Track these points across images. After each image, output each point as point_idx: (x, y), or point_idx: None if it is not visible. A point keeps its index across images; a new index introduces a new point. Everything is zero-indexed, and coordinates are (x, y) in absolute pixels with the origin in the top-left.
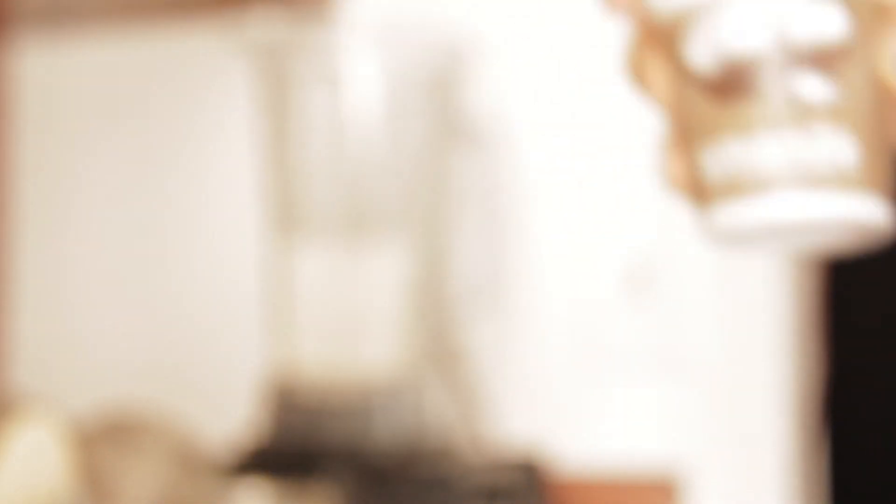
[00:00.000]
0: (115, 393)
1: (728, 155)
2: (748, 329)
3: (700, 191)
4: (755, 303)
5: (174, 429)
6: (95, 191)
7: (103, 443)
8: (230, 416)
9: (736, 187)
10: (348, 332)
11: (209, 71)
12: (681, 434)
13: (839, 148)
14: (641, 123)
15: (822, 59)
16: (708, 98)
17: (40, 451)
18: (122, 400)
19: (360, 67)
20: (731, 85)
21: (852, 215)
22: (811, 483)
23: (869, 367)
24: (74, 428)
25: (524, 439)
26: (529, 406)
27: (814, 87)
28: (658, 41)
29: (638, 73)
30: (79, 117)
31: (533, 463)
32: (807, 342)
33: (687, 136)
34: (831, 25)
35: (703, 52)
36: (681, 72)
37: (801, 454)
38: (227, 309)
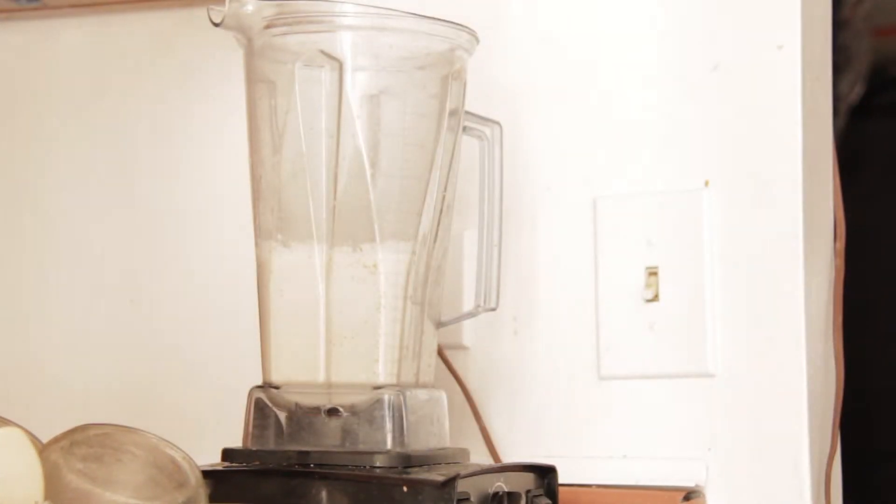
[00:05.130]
0: (92, 410)
1: None
2: (767, 334)
3: None
4: (774, 306)
5: (156, 440)
6: (69, 189)
7: (80, 450)
8: (220, 425)
9: None
10: (347, 333)
11: (197, 53)
12: (698, 441)
13: None
14: (646, 112)
15: None
16: None
17: (13, 451)
18: (103, 413)
19: (356, 51)
20: None
21: None
22: (829, 491)
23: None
24: (53, 434)
25: (533, 442)
26: (536, 408)
27: None
28: None
29: None
30: (52, 107)
31: (544, 467)
32: (828, 346)
33: None
34: None
35: None
36: None
37: (819, 462)
38: (217, 313)
